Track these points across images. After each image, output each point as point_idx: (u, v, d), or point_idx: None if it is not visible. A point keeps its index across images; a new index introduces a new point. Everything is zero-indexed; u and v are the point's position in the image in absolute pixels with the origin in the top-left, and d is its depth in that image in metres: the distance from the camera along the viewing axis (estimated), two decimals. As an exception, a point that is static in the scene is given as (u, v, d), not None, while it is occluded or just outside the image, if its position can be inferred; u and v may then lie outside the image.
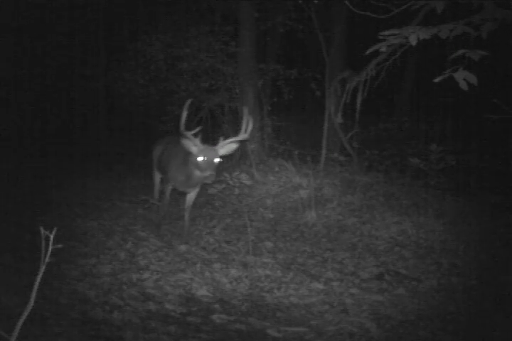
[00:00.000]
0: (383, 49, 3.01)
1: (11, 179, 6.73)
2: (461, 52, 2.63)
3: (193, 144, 4.27)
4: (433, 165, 5.30)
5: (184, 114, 4.27)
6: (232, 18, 7.93)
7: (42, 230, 2.02)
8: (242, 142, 4.61)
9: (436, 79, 2.76)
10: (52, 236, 1.98)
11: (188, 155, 4.43)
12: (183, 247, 4.45)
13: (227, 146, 4.39)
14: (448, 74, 2.68)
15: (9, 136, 9.48)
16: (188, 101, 4.31)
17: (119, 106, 10.43)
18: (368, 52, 3.11)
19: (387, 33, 2.87)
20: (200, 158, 4.23)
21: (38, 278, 1.98)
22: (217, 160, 4.26)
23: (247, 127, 4.43)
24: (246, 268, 4.04)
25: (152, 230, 4.89)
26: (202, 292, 3.47)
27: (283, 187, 6.01)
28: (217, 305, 3.28)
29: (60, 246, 2.04)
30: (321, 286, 3.75)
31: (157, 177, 5.46)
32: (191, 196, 4.90)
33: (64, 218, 5.02)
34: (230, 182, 4.53)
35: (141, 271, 3.72)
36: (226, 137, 4.55)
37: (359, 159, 6.73)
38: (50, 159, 8.71)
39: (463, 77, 2.62)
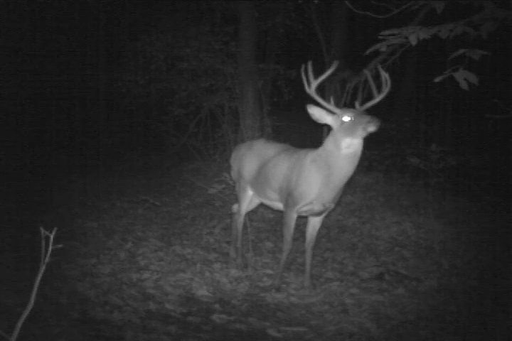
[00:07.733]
0: (383, 49, 3.02)
1: (10, 179, 6.74)
2: (461, 51, 2.64)
3: (326, 112, 3.30)
4: (433, 165, 5.29)
5: (310, 72, 3.36)
6: (232, 18, 7.92)
7: (42, 230, 2.02)
8: None
9: (437, 79, 2.77)
10: (52, 236, 1.98)
11: (315, 156, 3.51)
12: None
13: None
14: (448, 74, 2.68)
15: (8, 136, 9.47)
16: (310, 63, 3.39)
17: (119, 106, 10.43)
18: (367, 52, 3.11)
19: (387, 32, 2.88)
20: (346, 118, 3.21)
21: (38, 278, 1.98)
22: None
23: (386, 86, 3.39)
24: (246, 268, 4.04)
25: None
26: (202, 292, 3.47)
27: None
28: (217, 305, 3.28)
29: (60, 246, 2.04)
30: (321, 286, 3.75)
31: (247, 196, 4.17)
32: (315, 224, 3.77)
33: (64, 218, 5.02)
34: (230, 182, 4.53)
35: (141, 271, 3.72)
36: (361, 103, 3.51)
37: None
38: (50, 159, 8.71)
39: (463, 77, 2.63)
